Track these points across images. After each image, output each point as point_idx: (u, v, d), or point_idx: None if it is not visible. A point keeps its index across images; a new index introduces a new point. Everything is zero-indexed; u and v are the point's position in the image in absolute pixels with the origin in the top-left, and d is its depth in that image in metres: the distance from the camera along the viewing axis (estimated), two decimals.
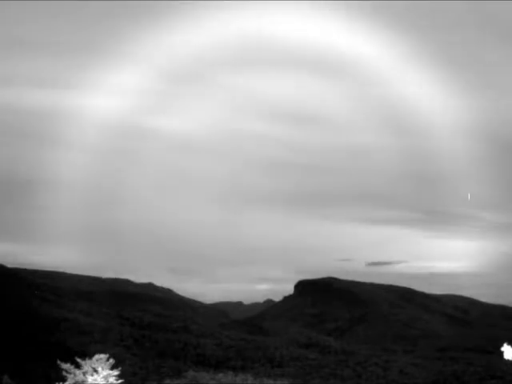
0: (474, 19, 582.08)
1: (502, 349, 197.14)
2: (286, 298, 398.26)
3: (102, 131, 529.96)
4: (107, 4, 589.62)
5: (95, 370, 48.21)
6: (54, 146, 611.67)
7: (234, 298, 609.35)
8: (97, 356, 48.96)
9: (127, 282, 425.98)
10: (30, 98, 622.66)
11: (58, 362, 48.24)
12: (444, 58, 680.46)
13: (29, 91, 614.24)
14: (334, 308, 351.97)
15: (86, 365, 48.31)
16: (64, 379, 47.98)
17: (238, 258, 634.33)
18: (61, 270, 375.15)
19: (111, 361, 49.18)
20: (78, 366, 48.28)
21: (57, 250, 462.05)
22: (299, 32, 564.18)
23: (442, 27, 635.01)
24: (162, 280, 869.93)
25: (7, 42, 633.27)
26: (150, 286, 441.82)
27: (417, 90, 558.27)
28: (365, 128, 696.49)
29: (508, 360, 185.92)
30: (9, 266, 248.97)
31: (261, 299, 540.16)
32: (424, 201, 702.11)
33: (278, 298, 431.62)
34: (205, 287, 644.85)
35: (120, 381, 49.55)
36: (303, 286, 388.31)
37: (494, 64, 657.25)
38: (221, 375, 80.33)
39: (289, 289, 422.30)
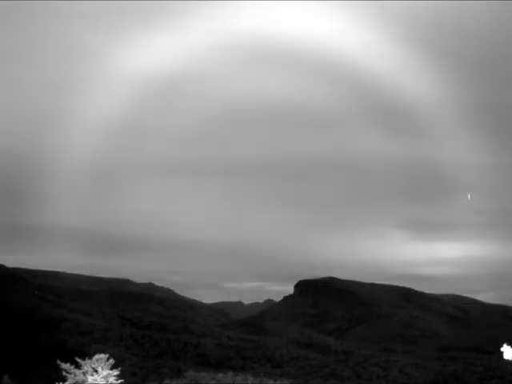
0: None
1: (502, 349, 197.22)
2: (286, 298, 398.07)
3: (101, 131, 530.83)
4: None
5: (95, 370, 48.11)
6: (54, 146, 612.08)
7: (233, 298, 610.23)
8: (97, 356, 48.86)
9: (127, 282, 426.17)
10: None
11: (58, 361, 48.17)
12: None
13: None
14: (334, 308, 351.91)
15: (86, 365, 48.19)
16: (64, 379, 47.87)
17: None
18: (61, 270, 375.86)
19: (111, 361, 49.04)
20: (78, 366, 48.18)
21: (57, 250, 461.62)
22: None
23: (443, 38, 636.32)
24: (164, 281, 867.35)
25: None
26: (150, 286, 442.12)
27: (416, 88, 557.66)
28: (361, 132, 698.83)
29: (508, 360, 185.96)
30: (9, 265, 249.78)
31: (261, 299, 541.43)
32: (423, 203, 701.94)
33: (278, 298, 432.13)
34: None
35: (120, 381, 49.45)
36: (303, 286, 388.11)
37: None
38: (221, 375, 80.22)
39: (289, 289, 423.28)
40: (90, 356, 50.15)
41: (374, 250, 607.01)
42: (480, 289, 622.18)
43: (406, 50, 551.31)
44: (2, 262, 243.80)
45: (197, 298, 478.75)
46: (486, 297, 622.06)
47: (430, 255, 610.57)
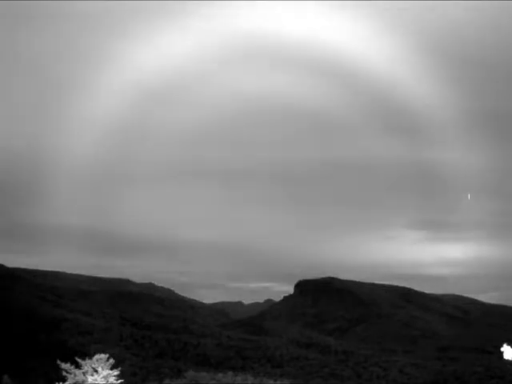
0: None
1: (502, 349, 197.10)
2: (286, 298, 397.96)
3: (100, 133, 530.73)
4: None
5: (95, 370, 48.10)
6: (54, 146, 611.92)
7: (234, 298, 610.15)
8: (97, 356, 48.83)
9: (127, 282, 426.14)
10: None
11: (58, 361, 48.14)
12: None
13: None
14: (334, 308, 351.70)
15: (86, 365, 48.16)
16: (64, 379, 47.86)
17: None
18: (61, 270, 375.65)
19: (111, 361, 49.04)
20: (78, 366, 48.17)
21: (57, 250, 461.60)
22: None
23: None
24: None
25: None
26: (150, 286, 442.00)
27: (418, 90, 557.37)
28: (365, 133, 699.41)
29: (508, 360, 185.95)
30: (9, 266, 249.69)
31: (261, 299, 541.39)
32: (425, 205, 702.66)
33: (278, 298, 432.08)
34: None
35: (120, 381, 49.44)
36: (303, 286, 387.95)
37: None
38: (221, 375, 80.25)
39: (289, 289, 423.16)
40: (90, 356, 50.14)
41: (375, 250, 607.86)
42: (480, 289, 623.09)
43: (407, 51, 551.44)
44: (2, 262, 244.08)
45: (197, 298, 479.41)
46: (486, 297, 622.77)
47: (430, 255, 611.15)
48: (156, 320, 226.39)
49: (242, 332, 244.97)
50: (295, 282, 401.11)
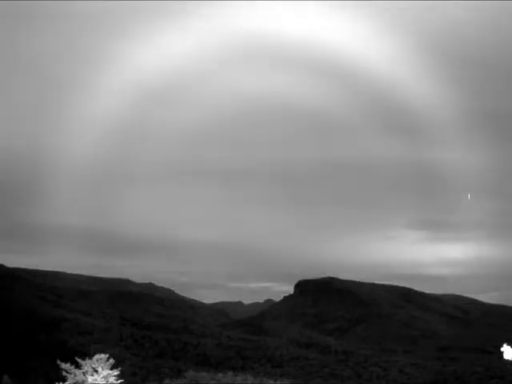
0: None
1: (502, 349, 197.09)
2: (286, 298, 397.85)
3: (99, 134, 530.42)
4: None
5: (95, 370, 48.06)
6: (54, 146, 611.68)
7: (234, 298, 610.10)
8: (97, 356, 48.80)
9: (127, 282, 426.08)
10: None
11: (58, 361, 48.12)
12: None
13: None
14: (334, 308, 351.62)
15: (86, 365, 48.15)
16: (64, 379, 47.86)
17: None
18: (61, 270, 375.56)
19: (111, 361, 49.02)
20: (78, 366, 48.17)
21: (57, 250, 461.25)
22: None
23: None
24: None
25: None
26: (150, 286, 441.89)
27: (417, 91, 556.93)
28: (365, 133, 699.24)
29: (508, 360, 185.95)
30: (9, 266, 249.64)
31: (261, 299, 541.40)
32: (425, 205, 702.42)
33: (278, 298, 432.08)
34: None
35: (120, 381, 49.44)
36: (303, 286, 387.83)
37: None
38: (221, 375, 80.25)
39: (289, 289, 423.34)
40: (90, 356, 50.12)
41: (375, 250, 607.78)
42: (480, 289, 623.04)
43: (407, 51, 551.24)
44: (2, 262, 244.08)
45: (197, 298, 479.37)
46: (486, 297, 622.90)
47: (430, 255, 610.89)
48: (156, 320, 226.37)
49: (242, 332, 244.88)
50: (295, 282, 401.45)
